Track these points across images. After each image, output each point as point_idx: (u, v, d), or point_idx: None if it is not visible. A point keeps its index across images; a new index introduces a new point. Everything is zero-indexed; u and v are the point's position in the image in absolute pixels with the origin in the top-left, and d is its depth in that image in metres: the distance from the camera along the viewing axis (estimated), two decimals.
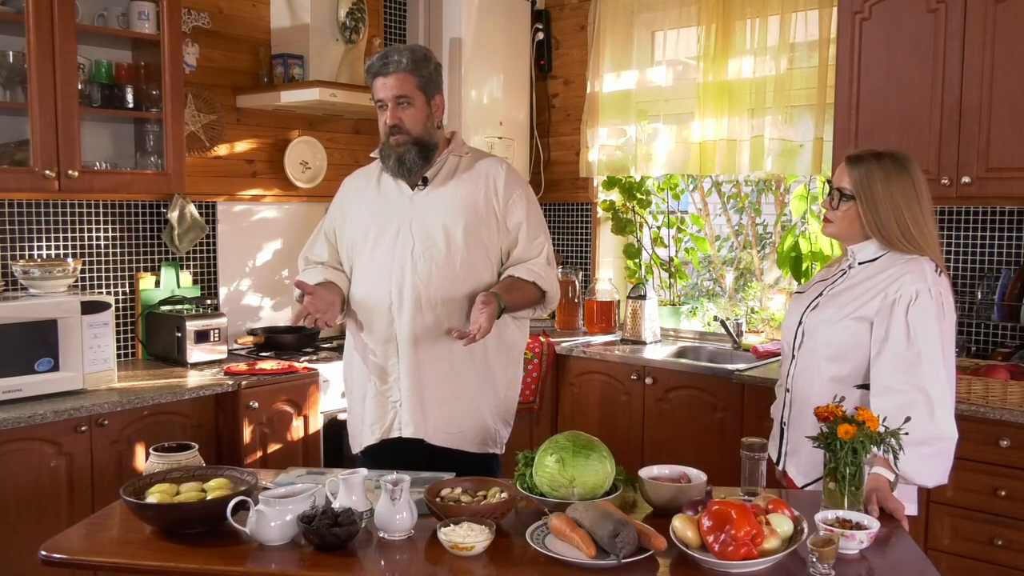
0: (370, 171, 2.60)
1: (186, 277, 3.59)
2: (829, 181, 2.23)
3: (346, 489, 1.81)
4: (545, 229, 2.54)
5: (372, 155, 2.57)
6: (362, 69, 3.79)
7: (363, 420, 2.52)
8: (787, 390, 2.23)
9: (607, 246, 4.48)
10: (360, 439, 2.55)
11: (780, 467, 2.25)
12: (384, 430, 2.47)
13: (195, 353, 3.29)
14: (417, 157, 2.41)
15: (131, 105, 3.19)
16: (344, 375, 2.67)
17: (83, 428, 2.70)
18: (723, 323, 3.86)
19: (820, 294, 2.20)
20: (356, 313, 2.52)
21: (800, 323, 2.20)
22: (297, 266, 2.68)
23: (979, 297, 3.19)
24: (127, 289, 3.44)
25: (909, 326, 1.98)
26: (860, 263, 2.15)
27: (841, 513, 1.73)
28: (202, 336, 3.31)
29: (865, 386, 2.07)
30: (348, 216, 2.56)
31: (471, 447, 2.49)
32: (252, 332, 3.71)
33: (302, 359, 3.40)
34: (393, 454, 2.47)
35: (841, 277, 2.19)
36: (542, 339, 3.85)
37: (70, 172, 2.91)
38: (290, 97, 3.57)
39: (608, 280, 4.31)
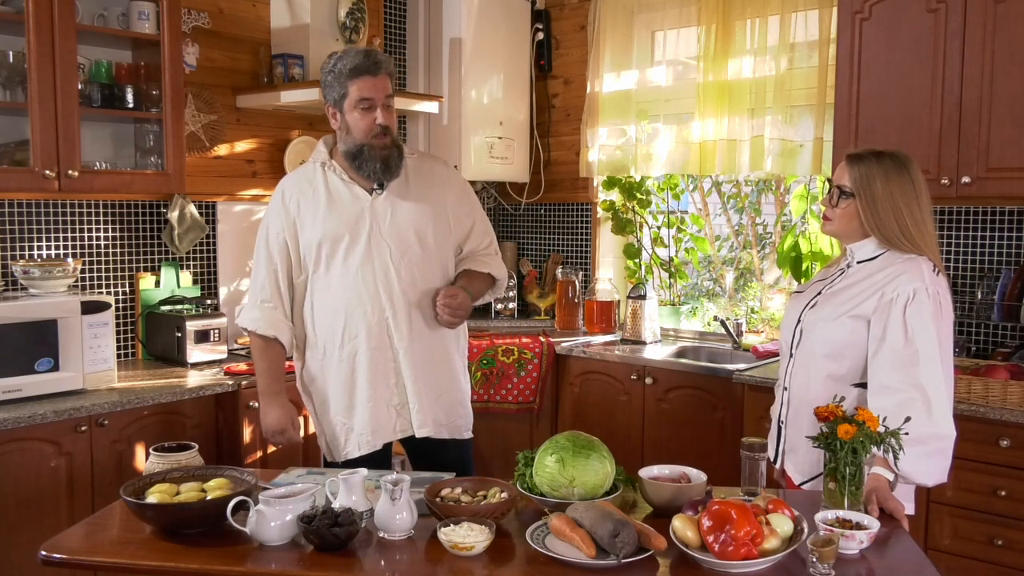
0: (309, 174, 2.51)
1: (186, 277, 3.59)
2: (829, 180, 2.23)
3: (346, 489, 1.82)
4: (488, 221, 2.73)
5: (315, 159, 2.51)
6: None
7: (351, 430, 2.49)
8: (784, 388, 2.23)
9: (607, 246, 4.48)
10: (346, 449, 2.50)
11: (778, 466, 2.26)
12: (388, 434, 2.49)
13: (195, 353, 3.29)
14: (398, 159, 2.44)
15: (131, 105, 3.18)
16: (310, 389, 2.56)
17: (83, 428, 2.70)
18: (723, 323, 3.86)
19: (819, 293, 2.20)
20: (334, 323, 2.45)
21: (798, 322, 2.20)
22: (248, 315, 2.51)
23: (979, 297, 3.19)
24: (127, 289, 3.44)
25: (907, 325, 1.98)
26: (859, 262, 2.15)
27: (841, 513, 1.73)
28: (202, 336, 3.31)
29: (863, 385, 2.07)
30: (302, 222, 2.46)
31: (460, 434, 2.61)
32: None
33: None
34: (384, 457, 2.53)
35: (839, 276, 2.19)
36: (542, 339, 3.85)
37: (70, 172, 2.91)
38: (290, 97, 3.57)
39: (608, 280, 4.31)
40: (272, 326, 2.49)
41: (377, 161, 2.41)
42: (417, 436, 2.50)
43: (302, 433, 3.26)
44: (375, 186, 2.46)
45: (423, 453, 2.59)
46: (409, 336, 2.45)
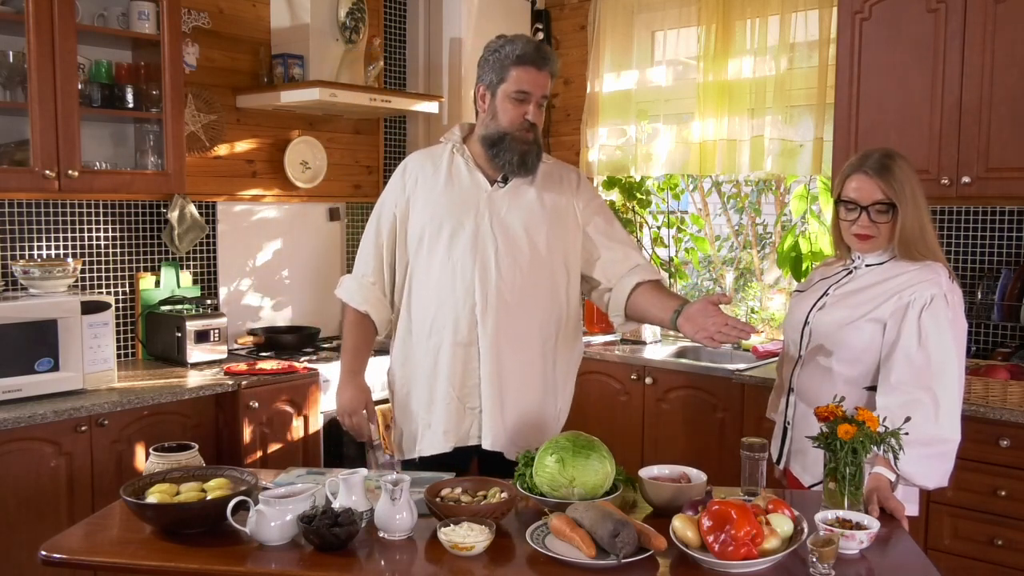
0: (436, 155, 2.40)
1: (186, 277, 3.59)
2: (846, 200, 2.10)
3: (346, 489, 1.81)
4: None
5: (443, 139, 2.41)
6: (362, 69, 3.82)
7: (429, 426, 2.34)
8: (791, 389, 2.22)
9: None
10: (420, 446, 2.36)
11: (781, 466, 2.25)
12: (460, 438, 2.32)
13: (195, 353, 3.29)
14: (536, 158, 2.33)
15: (131, 105, 3.18)
16: (397, 377, 2.44)
17: (83, 428, 2.70)
18: None
19: (825, 293, 2.19)
20: (426, 311, 2.33)
21: (806, 323, 2.19)
22: (345, 285, 2.43)
23: (979, 297, 3.19)
24: (127, 289, 3.44)
25: (922, 329, 1.98)
26: (867, 265, 2.15)
27: (841, 513, 1.73)
28: (202, 336, 3.31)
29: (875, 387, 2.06)
30: (415, 201, 2.35)
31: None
32: (252, 332, 3.71)
33: (302, 359, 3.40)
34: (458, 462, 2.34)
35: (847, 276, 2.18)
36: None
37: (70, 172, 2.91)
38: (290, 97, 3.57)
39: None
40: (366, 301, 2.38)
41: (516, 153, 2.27)
42: (483, 447, 2.31)
43: (300, 433, 3.27)
44: (499, 179, 2.34)
45: (500, 467, 2.30)
46: (495, 337, 2.27)
